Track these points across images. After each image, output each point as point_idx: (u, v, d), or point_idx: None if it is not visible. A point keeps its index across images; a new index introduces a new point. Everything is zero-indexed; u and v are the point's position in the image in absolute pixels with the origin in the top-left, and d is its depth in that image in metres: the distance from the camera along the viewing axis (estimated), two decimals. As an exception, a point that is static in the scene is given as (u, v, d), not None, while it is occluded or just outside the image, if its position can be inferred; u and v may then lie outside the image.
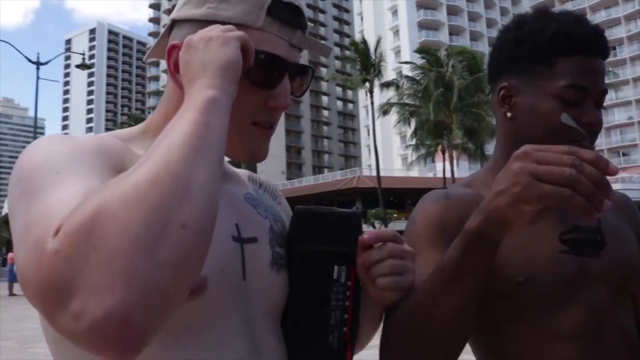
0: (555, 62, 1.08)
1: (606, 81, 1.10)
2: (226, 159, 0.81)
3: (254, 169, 11.34)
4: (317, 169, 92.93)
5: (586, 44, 1.07)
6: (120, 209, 0.53)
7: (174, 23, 0.88)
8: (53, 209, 0.59)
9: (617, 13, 70.66)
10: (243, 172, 1.06)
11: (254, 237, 0.88)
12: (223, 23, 0.81)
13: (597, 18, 71.46)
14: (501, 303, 1.05)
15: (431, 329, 0.91)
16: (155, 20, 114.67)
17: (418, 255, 0.99)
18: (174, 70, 0.84)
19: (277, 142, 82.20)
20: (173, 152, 0.59)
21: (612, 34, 69.23)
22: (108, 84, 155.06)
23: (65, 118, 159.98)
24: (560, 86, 1.07)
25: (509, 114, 1.15)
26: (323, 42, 0.88)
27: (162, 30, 0.92)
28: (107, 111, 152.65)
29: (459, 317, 0.91)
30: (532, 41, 1.10)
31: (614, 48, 68.44)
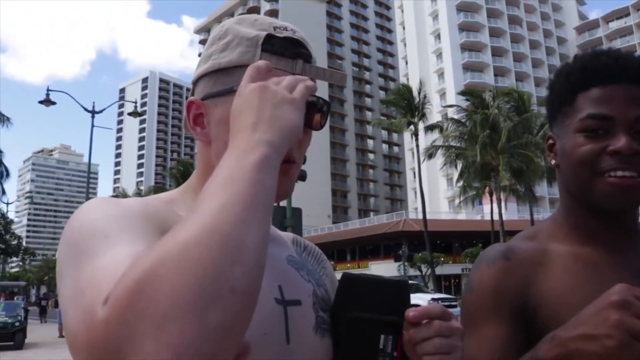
0: (575, 99, 1.05)
1: None
2: None
3: (299, 215, 11.29)
4: (363, 212, 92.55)
5: (601, 74, 1.03)
6: (169, 273, 0.52)
7: (194, 85, 0.92)
8: (103, 274, 0.60)
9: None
10: (287, 235, 1.07)
11: (298, 300, 0.88)
12: (225, 69, 0.86)
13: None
14: None
15: None
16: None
17: (475, 328, 0.95)
18: (193, 124, 0.89)
19: (323, 186, 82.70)
20: (227, 212, 0.58)
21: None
22: (158, 130, 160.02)
23: (117, 163, 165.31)
24: (579, 119, 1.03)
25: (553, 162, 1.13)
26: (338, 69, 0.84)
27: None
28: (157, 156, 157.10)
29: None
30: (557, 85, 1.10)
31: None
